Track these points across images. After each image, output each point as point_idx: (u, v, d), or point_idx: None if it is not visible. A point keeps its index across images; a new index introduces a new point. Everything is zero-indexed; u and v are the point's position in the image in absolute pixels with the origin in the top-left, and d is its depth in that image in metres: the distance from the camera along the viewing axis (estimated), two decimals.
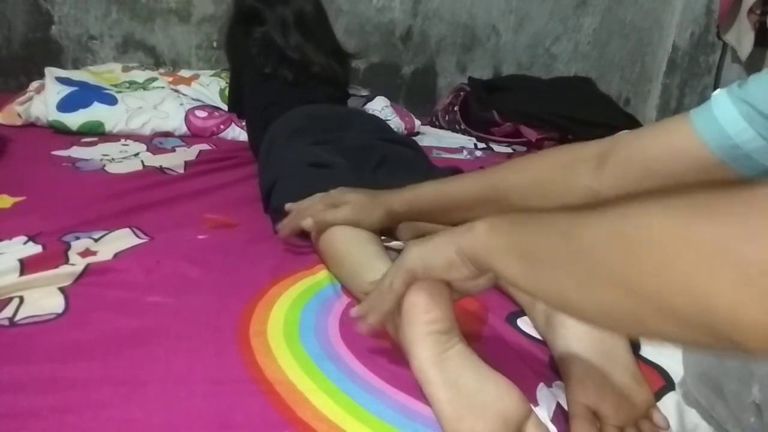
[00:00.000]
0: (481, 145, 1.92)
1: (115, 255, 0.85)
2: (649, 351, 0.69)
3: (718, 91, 0.59)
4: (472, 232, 0.51)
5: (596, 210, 0.39)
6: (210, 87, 1.86)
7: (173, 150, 1.49)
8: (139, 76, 1.87)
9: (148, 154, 1.45)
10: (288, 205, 0.92)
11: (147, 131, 1.61)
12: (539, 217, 0.45)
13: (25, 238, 0.88)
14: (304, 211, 0.88)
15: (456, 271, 0.53)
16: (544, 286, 0.43)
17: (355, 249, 0.81)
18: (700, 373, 0.54)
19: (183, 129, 1.64)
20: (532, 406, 0.56)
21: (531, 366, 0.66)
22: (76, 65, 2.01)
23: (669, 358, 0.67)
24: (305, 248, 0.93)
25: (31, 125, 1.59)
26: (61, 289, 0.75)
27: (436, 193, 0.79)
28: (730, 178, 0.57)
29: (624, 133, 0.67)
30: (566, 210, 0.43)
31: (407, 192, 0.83)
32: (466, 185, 0.77)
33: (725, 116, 0.56)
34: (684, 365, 0.59)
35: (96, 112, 1.59)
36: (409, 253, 0.57)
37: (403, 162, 1.14)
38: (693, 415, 0.59)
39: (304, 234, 0.91)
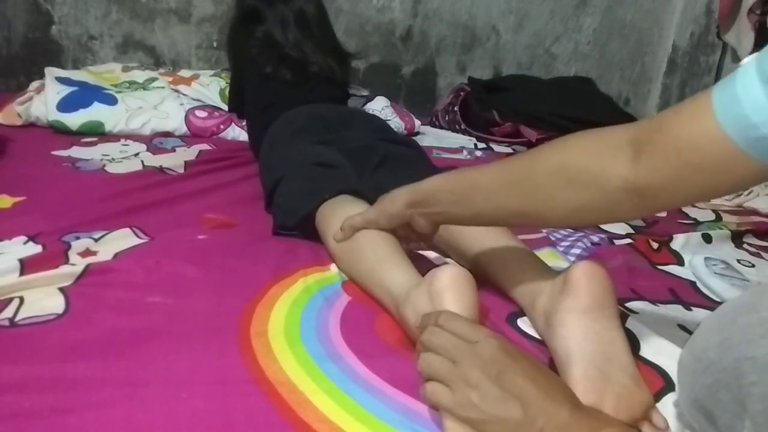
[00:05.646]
0: (481, 145, 1.92)
1: (115, 255, 0.85)
2: (648, 351, 0.69)
3: (747, 60, 0.49)
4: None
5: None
6: (210, 87, 1.86)
7: (173, 150, 1.49)
8: (139, 76, 1.87)
9: (148, 154, 1.45)
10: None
11: (147, 131, 1.61)
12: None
13: (25, 238, 0.88)
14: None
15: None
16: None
17: (378, 251, 0.81)
18: (693, 399, 0.53)
19: (183, 129, 1.64)
20: None
21: None
22: (76, 65, 2.01)
23: (669, 358, 0.67)
24: (305, 246, 0.93)
25: (31, 125, 1.59)
26: (61, 290, 0.75)
27: (460, 180, 0.75)
28: (757, 170, 0.49)
29: (662, 114, 0.58)
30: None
31: (426, 182, 0.79)
32: (492, 171, 0.72)
33: (750, 99, 0.47)
34: (678, 388, 0.58)
35: (96, 112, 1.59)
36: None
37: (404, 162, 1.14)
38: None
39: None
